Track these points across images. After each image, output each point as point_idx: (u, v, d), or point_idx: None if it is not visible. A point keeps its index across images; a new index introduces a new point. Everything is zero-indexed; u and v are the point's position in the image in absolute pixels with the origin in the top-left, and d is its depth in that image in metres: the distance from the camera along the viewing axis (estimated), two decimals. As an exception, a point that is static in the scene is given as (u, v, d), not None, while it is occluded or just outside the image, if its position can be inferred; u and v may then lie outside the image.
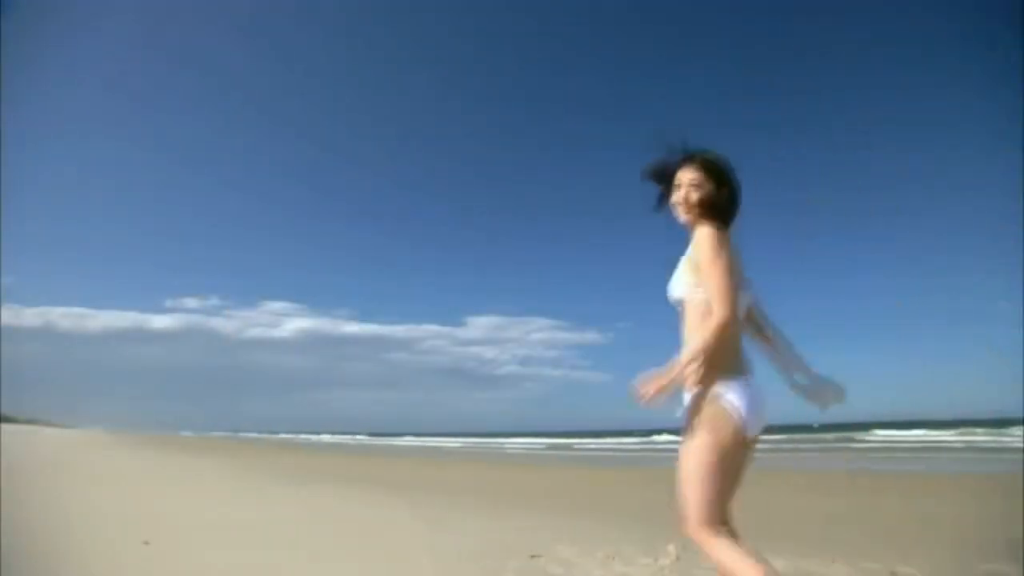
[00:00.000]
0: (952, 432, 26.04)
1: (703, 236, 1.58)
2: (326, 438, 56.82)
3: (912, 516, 4.84)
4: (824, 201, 77.55)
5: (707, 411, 1.52)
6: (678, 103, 74.89)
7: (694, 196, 1.67)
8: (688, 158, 1.72)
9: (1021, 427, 21.94)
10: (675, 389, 1.56)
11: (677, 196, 1.71)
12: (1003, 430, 24.07)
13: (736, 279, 1.55)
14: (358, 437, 57.74)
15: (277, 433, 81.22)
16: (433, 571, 2.84)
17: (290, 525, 4.21)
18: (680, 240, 1.74)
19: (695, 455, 1.53)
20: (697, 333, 1.53)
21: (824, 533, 4.04)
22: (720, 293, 1.49)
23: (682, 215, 1.71)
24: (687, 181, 1.69)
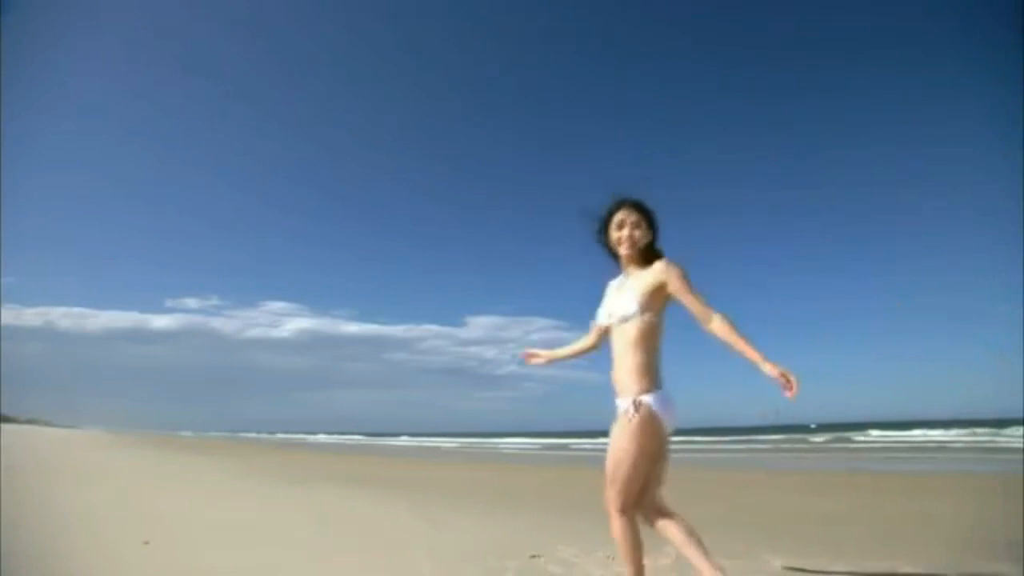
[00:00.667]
0: (952, 432, 26.05)
1: (674, 268, 1.97)
2: (322, 437, 56.82)
3: (912, 516, 4.84)
4: (823, 201, 77.53)
5: (636, 414, 1.88)
6: (678, 103, 74.95)
7: (637, 234, 2.04)
8: (624, 202, 2.07)
9: (1021, 427, 21.94)
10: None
11: (621, 234, 2.05)
12: (1003, 430, 24.08)
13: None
14: (354, 437, 57.68)
15: (276, 433, 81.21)
16: (433, 571, 2.84)
17: (290, 525, 4.21)
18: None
19: (618, 446, 1.91)
20: (636, 355, 1.94)
21: (824, 533, 4.04)
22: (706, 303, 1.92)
23: (625, 250, 2.06)
24: (630, 222, 2.04)
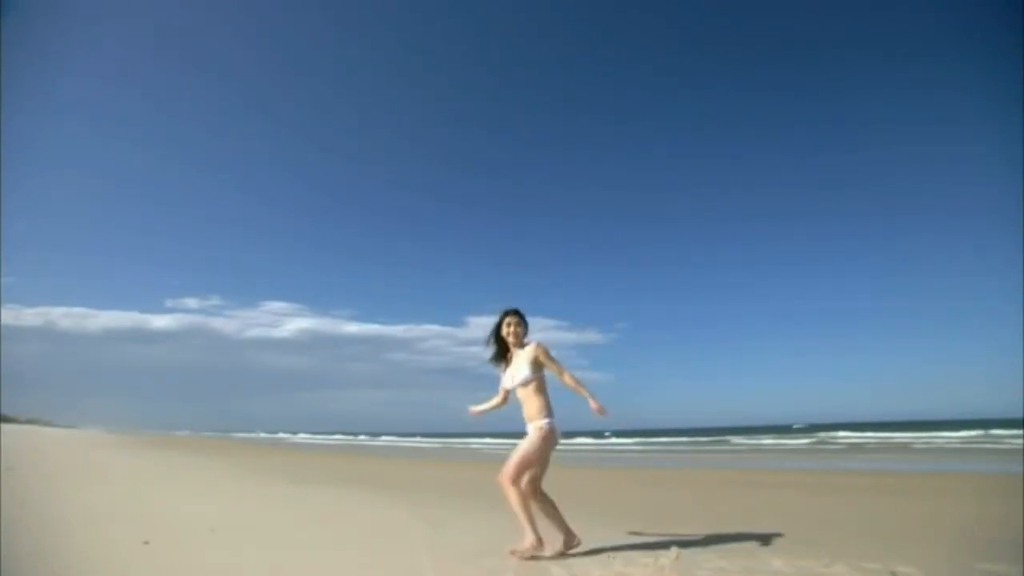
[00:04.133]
0: (951, 432, 26.08)
1: (543, 348, 3.34)
2: (303, 436, 56.93)
3: (912, 516, 4.84)
4: (822, 201, 77.47)
5: (543, 431, 3.20)
6: (678, 103, 74.95)
7: (519, 330, 3.43)
8: (504, 313, 3.47)
9: (1021, 427, 21.96)
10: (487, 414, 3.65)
11: (509, 331, 3.43)
12: (1003, 430, 24.10)
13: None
14: (337, 436, 57.60)
15: (275, 433, 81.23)
16: (433, 571, 2.84)
17: (290, 525, 4.22)
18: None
19: (527, 448, 3.17)
20: (537, 399, 3.29)
21: (824, 533, 4.04)
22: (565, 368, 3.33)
23: (513, 342, 3.43)
24: (512, 323, 3.43)
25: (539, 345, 3.32)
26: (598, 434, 45.26)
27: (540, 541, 3.09)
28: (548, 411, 3.25)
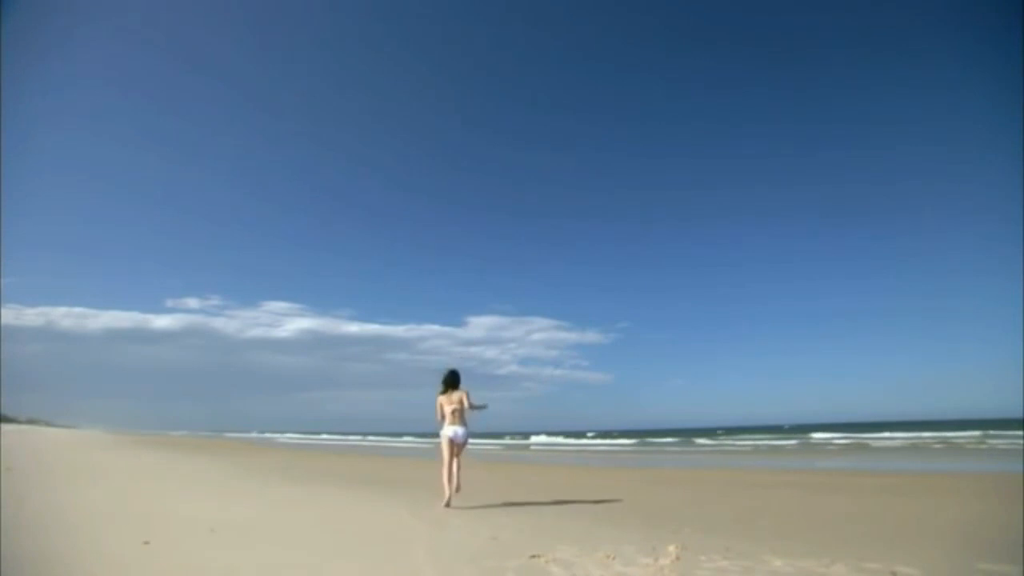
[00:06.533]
0: (949, 432, 26.09)
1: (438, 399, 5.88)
2: (289, 436, 56.83)
3: (912, 516, 4.84)
4: (821, 201, 77.38)
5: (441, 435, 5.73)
6: (678, 102, 74.89)
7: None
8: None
9: (1021, 427, 21.96)
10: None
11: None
12: (1003, 430, 24.10)
13: (441, 405, 5.77)
14: (322, 436, 57.53)
15: (263, 433, 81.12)
16: (433, 571, 2.84)
17: (290, 525, 4.22)
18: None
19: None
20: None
21: (824, 533, 4.04)
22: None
23: None
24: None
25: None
26: (579, 434, 45.41)
27: (448, 497, 5.40)
28: (441, 423, 5.65)
